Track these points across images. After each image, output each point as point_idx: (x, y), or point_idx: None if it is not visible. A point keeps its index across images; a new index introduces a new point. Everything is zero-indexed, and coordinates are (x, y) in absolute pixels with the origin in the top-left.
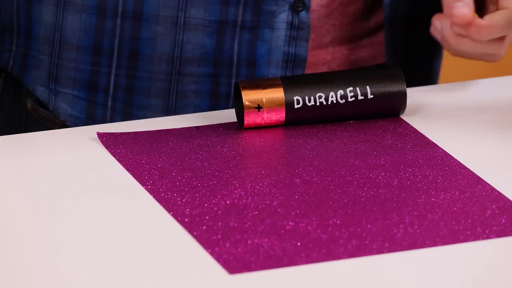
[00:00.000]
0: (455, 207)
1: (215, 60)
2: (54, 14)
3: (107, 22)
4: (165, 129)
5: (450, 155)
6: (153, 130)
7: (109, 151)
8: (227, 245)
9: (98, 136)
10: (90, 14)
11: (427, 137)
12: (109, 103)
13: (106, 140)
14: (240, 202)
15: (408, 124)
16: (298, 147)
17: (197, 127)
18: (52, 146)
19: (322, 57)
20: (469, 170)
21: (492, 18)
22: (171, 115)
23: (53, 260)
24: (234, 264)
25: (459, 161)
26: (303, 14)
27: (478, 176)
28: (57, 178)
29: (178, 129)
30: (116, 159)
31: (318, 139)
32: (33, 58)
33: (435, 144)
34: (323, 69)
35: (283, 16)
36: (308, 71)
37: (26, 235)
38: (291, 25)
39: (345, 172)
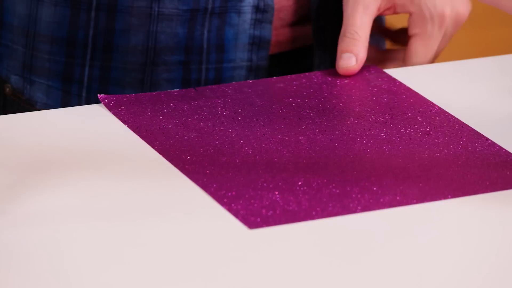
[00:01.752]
0: (459, 161)
1: (187, 48)
2: (28, 6)
3: (82, 15)
4: (165, 91)
5: (447, 112)
6: (153, 93)
7: (113, 113)
8: (242, 201)
9: (100, 98)
10: (64, 7)
11: (422, 95)
12: (84, 94)
13: (108, 102)
14: (249, 160)
15: (402, 83)
16: (298, 107)
17: (195, 88)
18: (40, 126)
19: (287, 36)
20: (468, 125)
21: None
22: None
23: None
24: (252, 219)
25: (456, 118)
26: None
27: (477, 131)
28: (65, 150)
29: (177, 90)
30: (121, 121)
31: (316, 98)
32: (6, 47)
33: (431, 102)
34: (288, 47)
35: (249, 0)
36: (273, 50)
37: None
38: (256, 9)
39: (347, 130)
